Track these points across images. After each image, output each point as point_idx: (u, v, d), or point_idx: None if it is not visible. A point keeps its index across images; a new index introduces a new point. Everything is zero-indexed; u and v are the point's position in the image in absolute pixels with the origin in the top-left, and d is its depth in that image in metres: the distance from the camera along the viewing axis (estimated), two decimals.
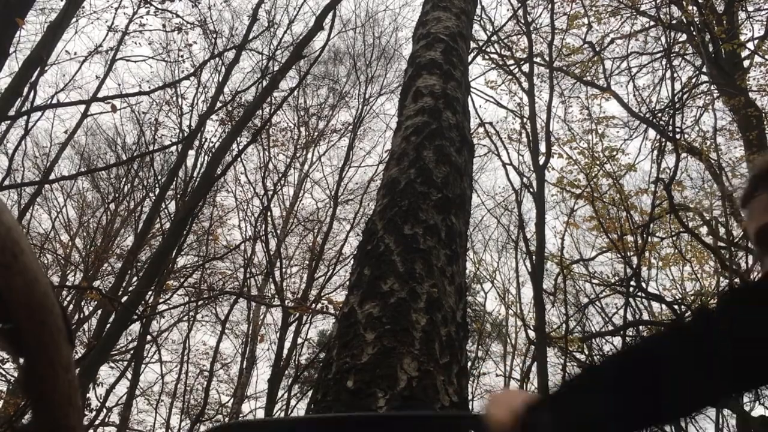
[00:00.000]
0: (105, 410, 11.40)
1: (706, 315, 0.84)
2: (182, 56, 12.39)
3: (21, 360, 0.53)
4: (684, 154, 9.24)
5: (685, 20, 9.77)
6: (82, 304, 12.18)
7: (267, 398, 10.22)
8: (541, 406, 0.91)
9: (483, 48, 10.40)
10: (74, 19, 8.83)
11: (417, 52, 3.67)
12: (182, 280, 11.91)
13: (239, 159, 10.79)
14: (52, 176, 10.89)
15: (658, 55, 11.15)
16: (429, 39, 3.70)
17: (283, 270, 12.67)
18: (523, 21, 10.47)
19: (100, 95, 10.05)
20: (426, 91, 3.26)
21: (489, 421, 0.94)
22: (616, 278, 10.55)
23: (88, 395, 9.07)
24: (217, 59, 10.74)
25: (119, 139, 15.16)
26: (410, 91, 3.34)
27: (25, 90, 6.45)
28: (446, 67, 3.46)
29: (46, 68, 8.58)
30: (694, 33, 9.68)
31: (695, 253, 10.61)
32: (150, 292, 8.48)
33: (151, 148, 12.40)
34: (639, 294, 8.41)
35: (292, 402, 11.14)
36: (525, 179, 9.92)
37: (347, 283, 2.99)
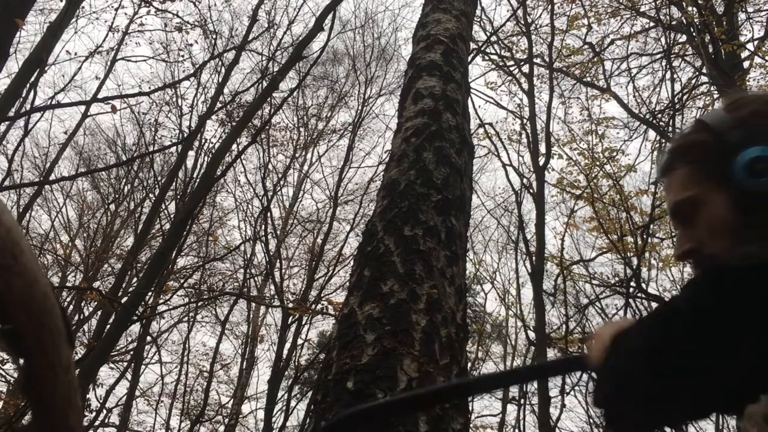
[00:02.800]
0: (105, 411, 11.42)
1: None
2: (182, 56, 12.42)
3: (21, 361, 0.53)
4: None
5: (684, 21, 9.77)
6: (82, 304, 12.19)
7: (267, 399, 10.22)
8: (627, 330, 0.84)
9: (482, 49, 10.40)
10: (74, 20, 8.84)
11: (417, 53, 3.67)
12: (182, 280, 11.91)
13: (239, 160, 10.79)
14: (51, 177, 10.90)
15: (658, 56, 11.15)
16: (429, 41, 3.70)
17: (283, 271, 12.68)
18: (522, 21, 10.49)
19: (100, 96, 10.07)
20: (426, 92, 3.26)
21: (589, 357, 0.91)
22: (616, 279, 10.54)
23: (87, 396, 9.08)
24: (217, 60, 10.75)
25: (119, 140, 15.18)
26: (410, 92, 3.34)
27: (25, 91, 6.46)
28: (446, 68, 3.46)
29: (46, 69, 8.59)
30: (693, 34, 9.68)
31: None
32: (150, 293, 8.48)
33: (151, 148, 12.41)
34: (639, 295, 8.40)
35: (292, 403, 11.14)
36: (525, 180, 9.93)
37: (347, 284, 2.99)
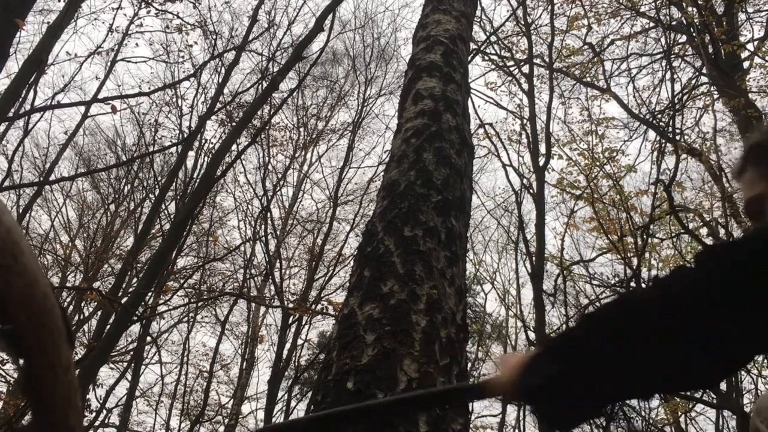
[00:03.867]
0: (105, 411, 11.42)
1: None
2: (182, 57, 12.40)
3: (21, 361, 0.53)
4: (684, 156, 9.23)
5: (684, 21, 9.78)
6: (82, 305, 12.18)
7: (267, 399, 10.22)
8: (537, 359, 0.90)
9: (482, 49, 10.40)
10: (73, 20, 8.84)
11: (417, 54, 3.67)
12: (182, 281, 11.91)
13: (239, 160, 10.79)
14: (51, 177, 10.89)
15: (658, 57, 11.15)
16: (429, 42, 3.70)
17: (283, 271, 12.68)
18: (522, 21, 10.49)
19: (100, 96, 10.06)
20: (426, 93, 3.26)
21: (494, 385, 0.95)
22: (616, 279, 10.54)
23: (87, 396, 9.07)
24: (216, 60, 10.75)
25: (119, 140, 15.20)
26: (410, 93, 3.34)
27: (25, 91, 6.46)
28: (446, 69, 3.46)
29: (46, 70, 8.59)
30: (693, 34, 9.68)
31: (695, 255, 10.57)
32: (150, 293, 8.48)
33: (151, 149, 12.40)
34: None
35: (292, 403, 11.14)
36: (525, 180, 9.93)
37: (347, 284, 2.99)
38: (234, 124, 9.54)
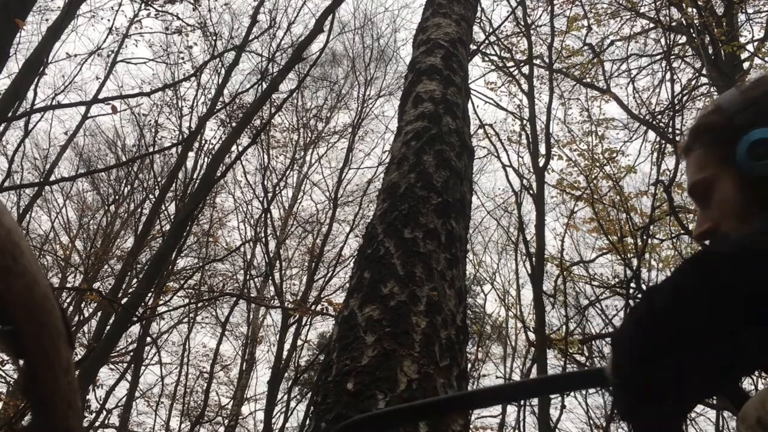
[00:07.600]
0: (105, 412, 11.41)
1: None
2: (182, 58, 12.41)
3: (20, 362, 0.53)
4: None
5: (684, 22, 9.78)
6: (82, 305, 12.18)
7: (267, 400, 10.22)
8: None
9: (481, 49, 10.40)
10: (74, 20, 8.84)
11: (417, 57, 3.68)
12: (182, 281, 11.91)
13: (239, 161, 10.79)
14: (51, 178, 10.90)
15: (658, 57, 11.16)
16: (429, 45, 3.70)
17: (283, 272, 12.67)
18: (522, 22, 10.49)
19: (100, 97, 10.06)
20: (426, 96, 3.26)
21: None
22: (616, 280, 10.54)
23: (87, 397, 9.07)
24: (216, 61, 10.75)
25: (119, 141, 15.20)
26: (410, 96, 3.35)
27: (25, 91, 6.46)
28: (446, 72, 3.46)
29: (46, 72, 8.59)
30: (693, 35, 9.69)
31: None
32: (150, 294, 8.47)
33: (151, 149, 12.41)
34: (639, 296, 8.39)
35: (292, 404, 11.14)
36: (525, 181, 9.93)
37: (347, 285, 2.99)
38: (234, 124, 9.55)
